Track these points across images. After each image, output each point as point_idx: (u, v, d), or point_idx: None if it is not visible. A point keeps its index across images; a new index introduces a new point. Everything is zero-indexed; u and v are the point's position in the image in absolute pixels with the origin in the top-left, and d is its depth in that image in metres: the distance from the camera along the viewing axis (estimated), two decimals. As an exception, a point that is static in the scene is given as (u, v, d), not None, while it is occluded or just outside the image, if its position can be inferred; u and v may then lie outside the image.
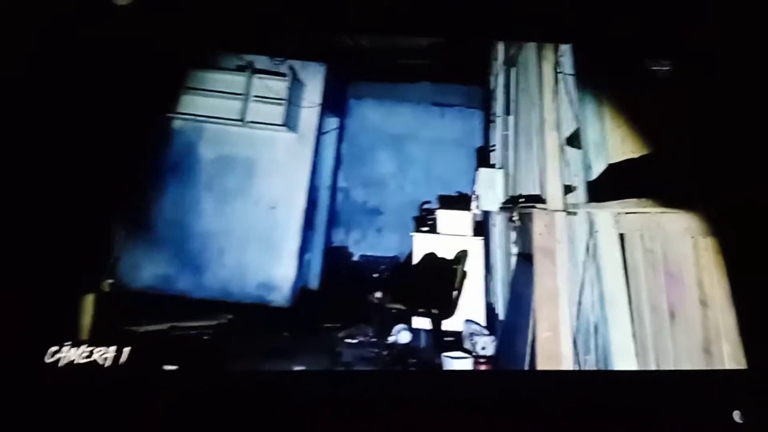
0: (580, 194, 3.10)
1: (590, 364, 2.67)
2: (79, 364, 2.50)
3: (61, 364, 2.48)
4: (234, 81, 5.80)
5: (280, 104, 5.79)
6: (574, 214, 3.09)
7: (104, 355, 2.55)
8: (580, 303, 2.89)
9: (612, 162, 2.82)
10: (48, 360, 2.48)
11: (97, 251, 4.10)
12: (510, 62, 4.73)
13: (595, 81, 3.17)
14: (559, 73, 3.50)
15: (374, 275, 6.67)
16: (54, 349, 2.50)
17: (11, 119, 2.67)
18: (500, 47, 5.29)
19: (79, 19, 2.90)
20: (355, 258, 7.36)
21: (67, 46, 2.86)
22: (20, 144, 2.68)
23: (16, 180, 2.63)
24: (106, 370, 2.52)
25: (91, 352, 2.55)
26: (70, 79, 2.90)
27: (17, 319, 2.45)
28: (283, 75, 5.92)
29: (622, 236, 2.65)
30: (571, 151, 3.27)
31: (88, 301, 3.53)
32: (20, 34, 2.76)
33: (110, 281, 4.01)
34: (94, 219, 3.95)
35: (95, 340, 2.61)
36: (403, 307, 4.58)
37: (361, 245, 7.40)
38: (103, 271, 4.00)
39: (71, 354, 2.52)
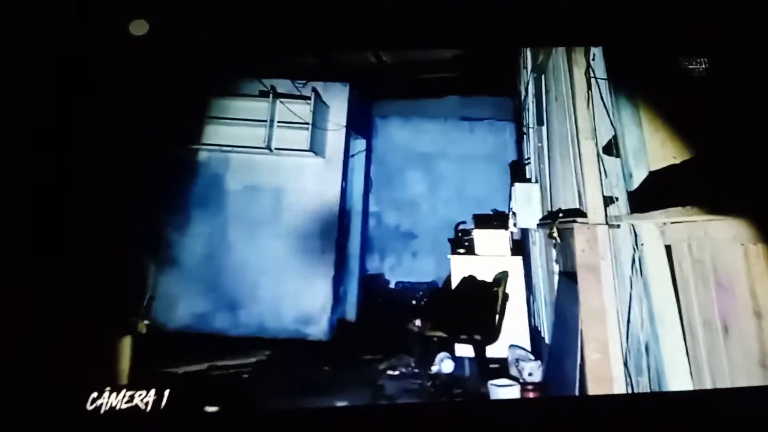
0: (621, 205, 3.08)
1: (643, 386, 2.64)
2: (120, 410, 2.56)
3: (102, 410, 2.55)
4: (257, 107, 5.96)
5: (305, 129, 5.91)
6: (617, 227, 3.08)
7: (145, 399, 2.62)
8: (629, 321, 2.87)
9: (653, 169, 2.81)
10: (89, 407, 2.55)
11: (132, 292, 4.19)
12: (539, 69, 4.75)
13: (630, 84, 3.17)
14: (592, 78, 3.50)
15: (412, 302, 6.71)
16: (94, 395, 2.57)
17: (35, 161, 2.77)
18: (528, 54, 5.31)
19: (96, 53, 3.00)
20: (392, 285, 7.41)
21: (85, 82, 2.95)
22: (50, 187, 2.77)
23: (48, 222, 2.71)
24: (148, 415, 2.58)
25: (132, 397, 2.61)
26: (92, 117, 2.99)
27: (55, 365, 2.50)
28: (307, 98, 6.04)
29: (668, 248, 2.62)
30: (609, 160, 3.26)
31: (126, 344, 3.61)
32: (39, 70, 2.85)
33: (146, 322, 4.11)
34: (126, 259, 4.11)
35: (135, 384, 2.68)
36: (444, 335, 4.59)
37: (397, 271, 7.46)
38: (139, 312, 4.12)
39: (112, 399, 2.58)
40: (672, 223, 2.58)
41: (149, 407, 2.60)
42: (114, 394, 2.59)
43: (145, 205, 5.29)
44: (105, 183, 3.14)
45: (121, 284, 3.88)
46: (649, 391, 2.59)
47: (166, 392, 2.66)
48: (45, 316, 2.56)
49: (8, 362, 2.40)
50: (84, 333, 2.82)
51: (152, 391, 2.64)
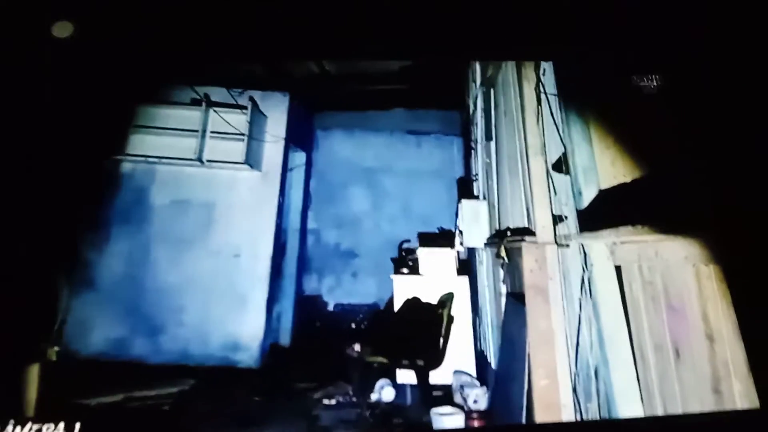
0: (571, 224, 3.13)
1: (593, 413, 2.65)
2: None
3: None
4: (188, 116, 5.82)
5: (240, 140, 5.80)
6: (566, 246, 3.11)
7: None
8: (578, 345, 2.89)
9: (603, 187, 2.86)
10: None
11: (41, 315, 4.01)
12: (489, 83, 4.83)
13: (580, 100, 3.24)
14: (542, 93, 3.57)
15: (352, 326, 6.65)
16: None
17: None
18: (477, 67, 5.40)
19: (15, 55, 2.88)
20: (330, 307, 7.33)
21: (3, 83, 2.83)
22: None
23: None
24: None
25: (39, 430, 2.47)
26: (7, 120, 2.85)
27: None
28: (243, 107, 5.94)
29: (618, 269, 2.67)
30: (559, 178, 3.32)
31: (33, 372, 3.46)
32: None
33: (56, 348, 3.95)
34: (35, 278, 3.90)
35: (42, 416, 2.52)
36: (385, 360, 4.55)
37: (336, 292, 7.38)
38: (49, 337, 3.94)
39: None
40: (622, 243, 2.63)
41: None
42: (18, 428, 2.46)
43: (60, 219, 5.03)
44: (16, 194, 2.98)
45: (29, 307, 3.68)
46: (598, 418, 2.60)
47: (77, 425, 2.50)
48: None
49: None
50: None
51: (61, 425, 2.48)
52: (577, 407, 2.79)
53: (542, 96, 3.56)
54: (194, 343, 5.62)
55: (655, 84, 2.93)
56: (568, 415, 2.76)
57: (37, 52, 2.97)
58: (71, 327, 5.30)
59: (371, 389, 4.62)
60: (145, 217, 5.88)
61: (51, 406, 3.32)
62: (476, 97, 5.43)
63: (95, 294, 5.60)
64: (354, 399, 4.64)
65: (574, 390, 2.83)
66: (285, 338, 6.60)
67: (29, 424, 2.46)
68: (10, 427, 2.43)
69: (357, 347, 5.05)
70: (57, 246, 5.04)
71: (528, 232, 3.41)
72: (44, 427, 2.46)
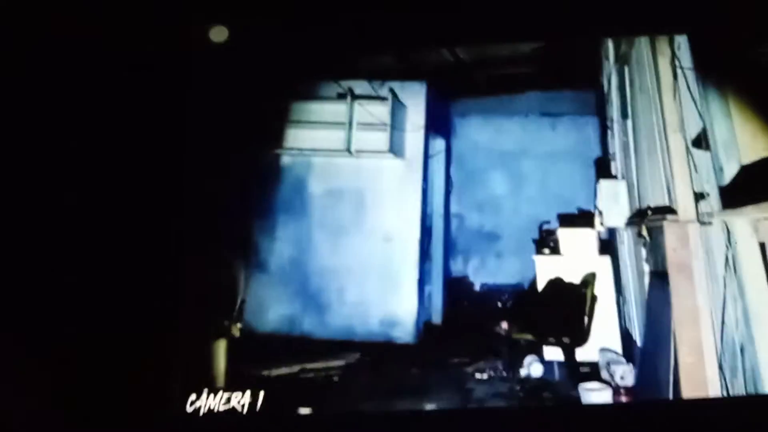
0: (713, 201, 3.05)
1: (739, 389, 2.62)
2: (218, 412, 2.75)
3: (202, 412, 2.75)
4: (336, 110, 6.11)
5: (383, 130, 6.01)
6: (709, 224, 3.04)
7: (241, 401, 2.79)
8: (723, 322, 2.85)
9: (745, 163, 2.77)
10: (189, 409, 2.76)
11: (225, 296, 4.38)
12: (622, 61, 4.69)
13: (718, 73, 3.12)
14: (678, 68, 3.45)
15: (498, 305, 6.72)
16: (193, 397, 2.77)
17: (123, 173, 2.95)
18: (610, 45, 5.22)
19: (176, 61, 3.11)
20: (477, 288, 7.46)
21: (167, 90, 3.07)
22: (142, 196, 2.95)
23: (140, 233, 2.91)
24: (245, 417, 2.78)
25: (229, 399, 2.78)
26: (177, 126, 3.11)
27: (156, 369, 2.71)
28: (384, 98, 6.13)
29: (762, 245, 2.60)
30: (699, 154, 3.22)
31: (221, 347, 3.81)
32: (123, 78, 3.00)
33: (239, 325, 4.34)
34: (219, 263, 4.39)
35: (231, 386, 2.87)
36: (532, 337, 4.62)
37: (481, 273, 7.50)
38: (232, 315, 4.36)
39: (210, 401, 2.77)
40: (766, 219, 2.56)
41: (245, 409, 2.77)
42: (212, 396, 2.76)
43: (234, 210, 5.58)
44: (196, 189, 3.32)
45: (215, 288, 4.11)
46: (744, 393, 2.57)
47: (261, 394, 2.81)
48: (145, 320, 2.76)
49: (111, 364, 2.64)
50: (182, 337, 2.98)
51: (248, 393, 2.79)
52: (724, 383, 2.77)
53: (678, 71, 3.44)
54: (356, 320, 5.96)
55: (792, 53, 2.77)
56: (714, 391, 2.75)
57: (195, 57, 3.21)
58: (250, 306, 5.63)
59: (520, 365, 4.72)
60: (304, 205, 6.25)
61: (238, 377, 3.70)
62: (610, 76, 5.26)
63: (268, 276, 6.10)
64: (504, 374, 4.76)
65: (720, 367, 2.80)
66: (437, 317, 6.82)
67: (220, 393, 2.78)
68: (204, 396, 2.75)
69: (504, 325, 5.15)
70: (234, 233, 5.62)
71: (669, 210, 3.35)
72: (233, 396, 2.78)
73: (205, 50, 3.22)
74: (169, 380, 2.80)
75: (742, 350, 2.64)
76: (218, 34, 3.21)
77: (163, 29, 3.07)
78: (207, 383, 3.05)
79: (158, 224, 2.98)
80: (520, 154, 7.60)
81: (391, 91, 6.15)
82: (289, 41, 3.48)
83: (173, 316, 2.90)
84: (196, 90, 3.24)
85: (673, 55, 3.49)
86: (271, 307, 6.06)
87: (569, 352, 4.38)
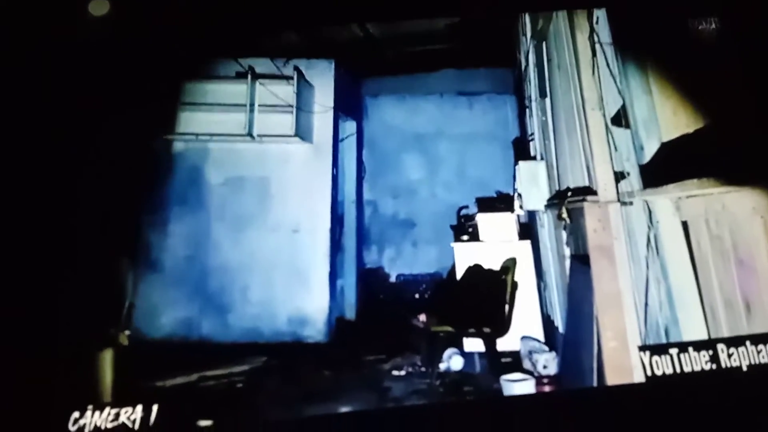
0: (633, 180, 3.13)
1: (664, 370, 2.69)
2: (106, 429, 2.56)
3: (87, 430, 2.55)
4: (235, 91, 5.91)
5: (288, 112, 5.86)
6: (630, 204, 3.12)
7: (132, 416, 2.61)
8: (646, 305, 2.93)
9: (665, 140, 2.84)
10: (72, 428, 2.54)
11: (110, 300, 4.18)
12: (540, 36, 4.77)
13: (637, 48, 3.19)
14: (596, 43, 3.51)
15: (415, 296, 6.77)
16: (76, 414, 2.56)
17: None
18: (527, 20, 5.31)
19: (53, 35, 2.98)
20: (392, 279, 7.46)
21: (43, 65, 2.93)
22: (11, 185, 2.79)
23: (16, 227, 2.74)
24: None
25: (118, 414, 2.60)
26: (54, 108, 2.96)
27: (31, 383, 2.54)
28: (289, 78, 5.98)
29: (685, 224, 2.67)
30: (619, 132, 3.30)
31: (107, 357, 3.59)
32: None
33: (127, 332, 4.11)
34: (102, 263, 4.12)
35: (120, 400, 2.66)
36: (451, 329, 4.63)
37: (397, 263, 7.51)
38: (119, 321, 4.12)
39: (96, 418, 2.58)
40: (687, 197, 2.63)
41: (137, 424, 2.60)
42: (98, 413, 2.59)
43: (119, 203, 5.25)
44: (74, 181, 3.11)
45: (97, 292, 3.85)
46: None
47: (155, 407, 2.65)
48: (16, 329, 2.58)
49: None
50: (61, 347, 2.79)
51: (139, 407, 2.63)
52: (648, 367, 2.84)
53: (597, 46, 3.51)
54: (262, 320, 5.81)
55: (713, 27, 2.87)
56: (638, 377, 2.82)
57: (74, 30, 3.05)
58: (139, 310, 5.46)
59: (440, 359, 4.72)
60: (201, 196, 6.04)
61: (127, 390, 3.44)
62: (527, 52, 5.35)
63: (160, 276, 5.82)
64: (423, 369, 4.76)
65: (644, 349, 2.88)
66: (350, 312, 6.77)
67: (107, 409, 2.58)
68: (89, 413, 2.56)
69: (422, 318, 5.15)
70: (118, 230, 5.29)
71: (589, 191, 3.41)
72: (122, 411, 2.58)
73: (85, 25, 3.07)
74: (47, 397, 2.60)
75: (666, 333, 2.72)
76: (99, 7, 3.09)
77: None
78: (92, 399, 2.82)
79: (32, 219, 2.80)
80: (435, 135, 7.64)
81: (297, 69, 6.03)
82: (182, 15, 3.33)
83: (49, 324, 2.74)
84: (77, 70, 3.07)
85: (592, 30, 3.55)
86: (164, 311, 5.79)
87: (490, 343, 4.42)
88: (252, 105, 5.89)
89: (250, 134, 5.85)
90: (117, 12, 3.11)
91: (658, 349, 2.50)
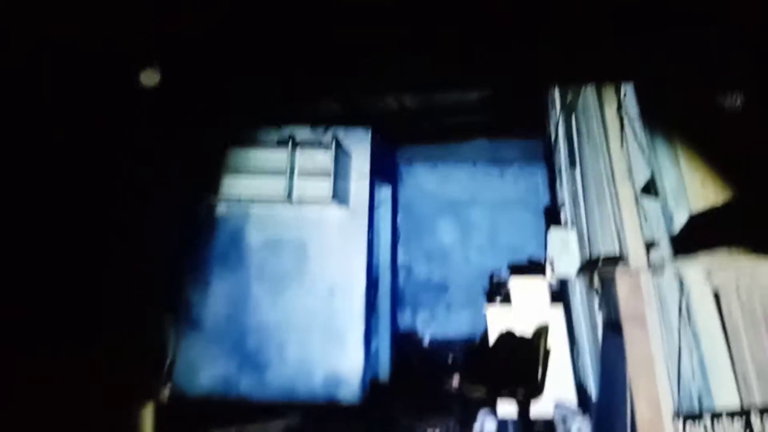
0: (664, 249, 3.12)
1: (698, 443, 2.64)
2: None
3: None
4: (276, 157, 6.12)
5: (326, 178, 6.01)
6: (661, 272, 3.11)
7: None
8: (679, 374, 2.89)
9: (694, 210, 2.86)
10: None
11: (152, 356, 4.22)
12: (569, 108, 4.86)
13: (665, 121, 3.25)
14: (625, 116, 3.58)
15: (448, 360, 6.69)
16: None
17: (47, 227, 2.85)
18: (557, 93, 5.43)
19: (106, 106, 3.10)
20: (426, 342, 7.41)
21: (100, 134, 3.05)
22: (64, 249, 2.86)
23: (60, 283, 2.80)
24: None
25: None
26: (108, 172, 3.09)
27: None
28: (327, 145, 6.19)
29: (716, 293, 2.66)
30: (649, 202, 3.32)
31: (148, 413, 3.61)
32: (52, 128, 2.92)
33: (168, 389, 4.14)
34: (146, 321, 4.20)
35: None
36: (484, 392, 4.57)
37: (431, 326, 7.48)
38: (160, 377, 4.16)
39: None
40: (718, 267, 2.63)
41: None
42: None
43: (164, 263, 5.38)
44: (124, 239, 3.22)
45: (141, 348, 3.93)
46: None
47: None
48: (63, 382, 2.64)
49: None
50: (104, 401, 2.86)
51: None
52: (683, 437, 2.78)
53: (625, 119, 3.57)
54: (297, 379, 5.84)
55: (740, 99, 2.92)
56: (674, 446, 2.76)
57: (127, 101, 3.20)
58: (180, 367, 5.64)
59: (473, 420, 4.67)
60: (241, 257, 6.19)
61: None
62: (557, 124, 5.44)
63: (200, 334, 5.95)
64: (457, 429, 4.71)
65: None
66: (384, 373, 6.74)
67: None
68: None
69: (456, 380, 5.12)
70: (164, 287, 5.40)
71: (620, 259, 3.42)
72: None
73: (137, 94, 3.17)
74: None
75: (700, 402, 2.68)
76: (150, 77, 3.17)
77: (97, 70, 3.01)
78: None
79: (81, 276, 2.88)
80: (468, 202, 7.73)
81: (335, 137, 6.21)
82: (227, 85, 3.46)
83: (94, 379, 2.79)
84: (129, 135, 3.22)
85: (619, 104, 3.62)
86: (203, 368, 5.88)
87: (524, 407, 4.34)
88: (292, 171, 6.06)
89: (289, 198, 5.99)
90: (166, 81, 3.19)
91: (693, 418, 2.46)
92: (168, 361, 4.42)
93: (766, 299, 2.32)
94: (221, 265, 6.18)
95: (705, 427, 2.43)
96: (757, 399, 2.30)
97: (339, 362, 5.94)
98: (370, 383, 6.17)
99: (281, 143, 6.21)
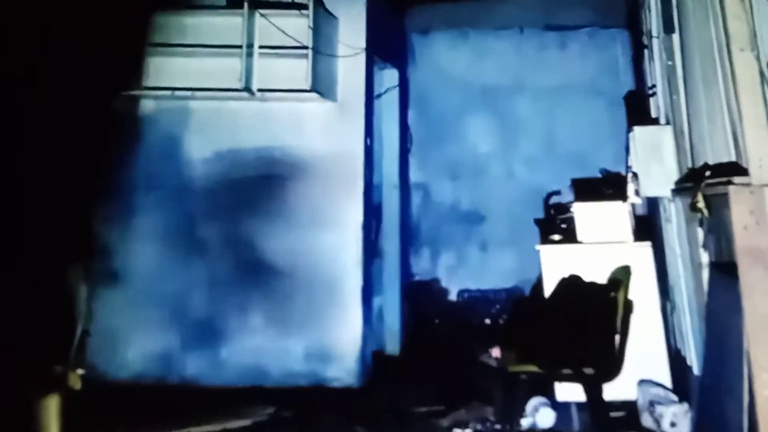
0: (800, 155, 3.11)
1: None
2: None
3: None
4: (226, 25, 5.88)
5: (302, 57, 5.76)
6: (796, 188, 3.11)
7: None
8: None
9: None
10: None
11: (56, 326, 4.29)
12: (665, -57, 4.75)
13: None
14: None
15: (485, 321, 6.76)
16: None
17: None
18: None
19: None
20: (453, 297, 7.46)
21: None
22: None
23: None
24: None
25: None
26: None
27: None
28: (303, 6, 5.87)
29: None
30: (780, 85, 3.28)
31: (52, 406, 3.69)
32: None
33: (80, 371, 4.21)
34: (46, 276, 4.25)
35: None
36: (537, 370, 4.64)
37: (459, 274, 7.53)
38: (68, 356, 4.23)
39: None
40: None
41: None
42: None
43: (66, 186, 5.35)
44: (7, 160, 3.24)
45: (40, 315, 3.98)
46: None
47: None
48: None
49: None
50: None
51: None
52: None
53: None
54: (268, 355, 5.89)
55: None
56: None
57: None
58: (97, 341, 5.45)
59: (521, 412, 4.77)
60: (181, 177, 6.12)
61: None
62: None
63: (125, 293, 5.94)
64: (497, 426, 4.80)
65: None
66: (392, 344, 6.86)
67: None
68: None
69: (496, 353, 5.18)
70: (66, 229, 5.39)
71: (738, 169, 3.40)
72: None
73: None
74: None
75: None
76: None
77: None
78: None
79: None
80: (513, 89, 7.66)
81: (314, -5, 5.96)
82: None
83: None
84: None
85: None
86: (131, 342, 5.93)
87: (594, 389, 4.42)
88: (250, 46, 5.85)
89: (247, 88, 5.81)
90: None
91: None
92: (78, 333, 4.49)
93: None
94: (151, 191, 6.12)
95: None
96: None
97: (327, 329, 5.97)
98: (373, 357, 6.27)
99: (233, 5, 5.96)
